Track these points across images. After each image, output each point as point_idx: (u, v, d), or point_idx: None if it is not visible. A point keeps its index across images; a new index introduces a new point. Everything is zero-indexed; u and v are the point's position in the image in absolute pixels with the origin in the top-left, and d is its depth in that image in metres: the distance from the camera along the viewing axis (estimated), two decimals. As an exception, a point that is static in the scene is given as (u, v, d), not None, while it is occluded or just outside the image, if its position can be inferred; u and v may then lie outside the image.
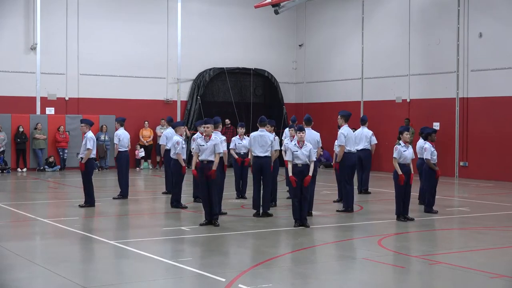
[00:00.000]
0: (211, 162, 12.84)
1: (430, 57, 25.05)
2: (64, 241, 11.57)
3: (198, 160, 13.19)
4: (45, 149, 25.07)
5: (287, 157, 13.06)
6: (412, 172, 13.83)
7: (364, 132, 18.34)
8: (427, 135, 15.21)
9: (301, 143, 12.82)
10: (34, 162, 25.04)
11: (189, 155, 16.09)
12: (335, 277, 9.22)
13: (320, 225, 13.15)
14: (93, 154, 15.44)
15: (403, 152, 13.65)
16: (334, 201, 16.42)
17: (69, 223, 13.16)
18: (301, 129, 12.98)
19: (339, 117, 15.08)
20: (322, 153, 26.58)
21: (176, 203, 15.38)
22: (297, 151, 12.75)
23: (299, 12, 30.32)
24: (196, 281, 8.88)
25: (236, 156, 16.81)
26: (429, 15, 25.17)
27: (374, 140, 18.60)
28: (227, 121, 27.07)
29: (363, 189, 18.41)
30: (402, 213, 13.68)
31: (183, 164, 15.33)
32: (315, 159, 13.01)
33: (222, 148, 13.24)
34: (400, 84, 26.02)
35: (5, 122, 24.53)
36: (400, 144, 13.77)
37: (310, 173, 12.80)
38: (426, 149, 14.86)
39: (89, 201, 15.36)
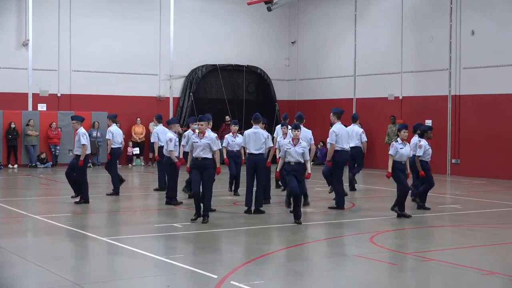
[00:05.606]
0: (205, 159, 12.78)
1: (423, 55, 25.10)
2: (56, 238, 11.54)
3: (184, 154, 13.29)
4: (37, 146, 25.00)
5: (280, 154, 13.10)
6: (408, 171, 13.87)
7: (355, 129, 18.27)
8: (423, 132, 15.16)
9: (295, 141, 12.82)
10: (25, 159, 24.95)
11: (184, 151, 15.98)
12: (327, 274, 9.23)
13: (312, 222, 13.17)
14: (88, 150, 15.36)
15: (400, 149, 13.55)
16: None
17: (61, 219, 13.12)
18: (297, 127, 12.96)
19: (331, 114, 15.02)
20: (315, 148, 26.67)
21: (169, 199, 15.34)
22: (290, 149, 12.74)
23: (292, 9, 30.29)
24: (188, 278, 8.87)
25: (224, 156, 16.70)
26: (421, 13, 25.21)
27: (364, 138, 18.49)
28: (227, 118, 27.03)
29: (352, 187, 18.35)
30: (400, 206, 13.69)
31: (176, 160, 15.26)
32: (309, 159, 12.99)
33: (217, 146, 13.13)
34: (392, 82, 26.05)
35: (-4, 118, 24.47)
36: (397, 141, 13.69)
37: (309, 171, 12.85)
38: (421, 146, 14.80)
39: (84, 198, 15.29)
